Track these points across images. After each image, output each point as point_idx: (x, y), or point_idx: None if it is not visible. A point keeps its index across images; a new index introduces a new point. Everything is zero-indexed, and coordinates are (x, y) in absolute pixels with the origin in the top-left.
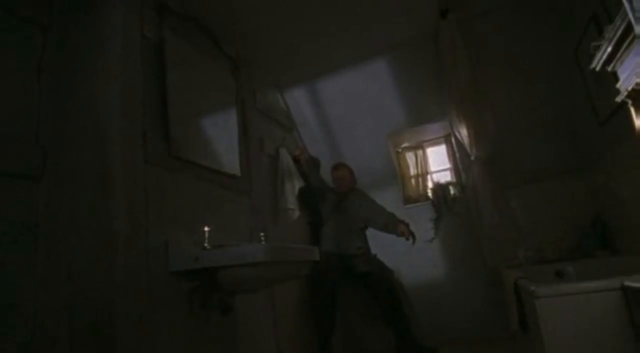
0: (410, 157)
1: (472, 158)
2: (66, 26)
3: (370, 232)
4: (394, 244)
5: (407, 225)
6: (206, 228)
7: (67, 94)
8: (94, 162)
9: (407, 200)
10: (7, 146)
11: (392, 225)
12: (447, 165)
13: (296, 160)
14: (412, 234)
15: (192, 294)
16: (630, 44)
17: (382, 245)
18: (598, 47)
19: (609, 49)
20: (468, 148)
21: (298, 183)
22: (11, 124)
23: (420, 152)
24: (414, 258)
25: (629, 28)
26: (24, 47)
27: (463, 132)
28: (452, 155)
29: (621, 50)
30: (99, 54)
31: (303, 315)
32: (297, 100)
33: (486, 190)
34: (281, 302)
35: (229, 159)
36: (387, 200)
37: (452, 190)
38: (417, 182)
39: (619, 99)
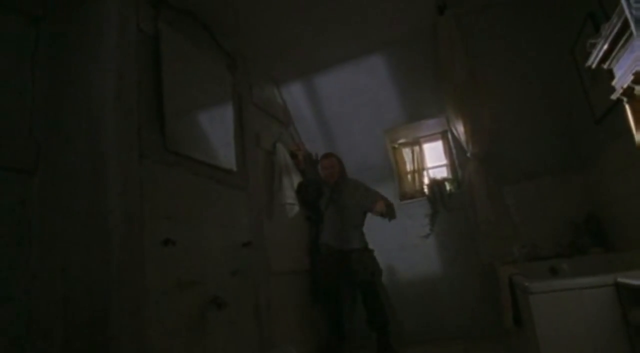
0: (406, 152)
1: (468, 154)
2: (60, 18)
3: (366, 229)
4: (389, 240)
5: (383, 201)
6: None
7: (61, 87)
8: (88, 156)
9: (403, 195)
10: (0, 139)
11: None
12: (444, 161)
13: (294, 156)
14: (388, 209)
15: None
16: (626, 41)
17: (377, 241)
18: (594, 45)
19: (605, 47)
20: (464, 144)
21: (296, 179)
22: (5, 118)
23: (416, 148)
24: (409, 254)
25: (626, 26)
26: (18, 39)
27: (459, 129)
28: (448, 151)
29: (617, 48)
30: (93, 47)
31: (304, 315)
32: (293, 95)
33: (482, 187)
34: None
35: (225, 154)
36: (383, 195)
37: (448, 187)
38: (413, 177)
39: (614, 96)
